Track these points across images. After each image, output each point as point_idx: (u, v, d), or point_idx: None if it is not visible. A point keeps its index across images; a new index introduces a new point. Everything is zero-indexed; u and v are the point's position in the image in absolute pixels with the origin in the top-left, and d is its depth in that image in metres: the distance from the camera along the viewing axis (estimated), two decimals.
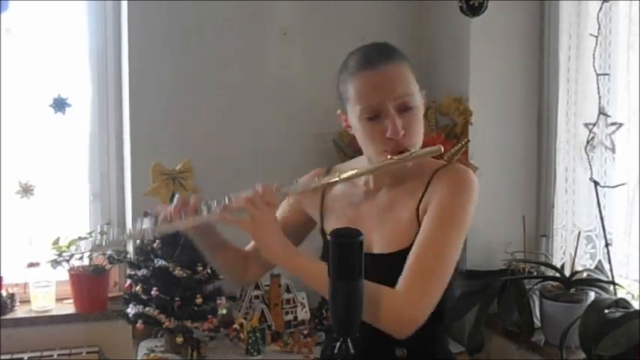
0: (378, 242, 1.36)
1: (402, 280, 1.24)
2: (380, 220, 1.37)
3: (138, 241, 1.40)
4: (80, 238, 2.46)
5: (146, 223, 1.31)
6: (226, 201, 1.29)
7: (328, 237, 1.09)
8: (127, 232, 1.37)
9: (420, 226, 1.30)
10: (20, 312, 2.45)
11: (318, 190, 1.44)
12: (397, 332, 1.23)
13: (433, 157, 1.35)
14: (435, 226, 1.28)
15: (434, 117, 2.46)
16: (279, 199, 1.33)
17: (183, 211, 1.30)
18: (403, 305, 1.22)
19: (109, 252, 2.48)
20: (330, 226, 1.42)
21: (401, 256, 1.28)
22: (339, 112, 1.40)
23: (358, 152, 2.55)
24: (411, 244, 1.28)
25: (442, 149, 1.29)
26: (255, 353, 2.25)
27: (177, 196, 1.35)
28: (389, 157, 1.28)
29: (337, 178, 1.32)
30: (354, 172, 1.33)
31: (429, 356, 1.39)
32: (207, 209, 1.29)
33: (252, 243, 1.48)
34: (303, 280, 1.28)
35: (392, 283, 1.25)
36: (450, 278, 1.32)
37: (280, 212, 1.50)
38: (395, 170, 1.33)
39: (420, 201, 1.32)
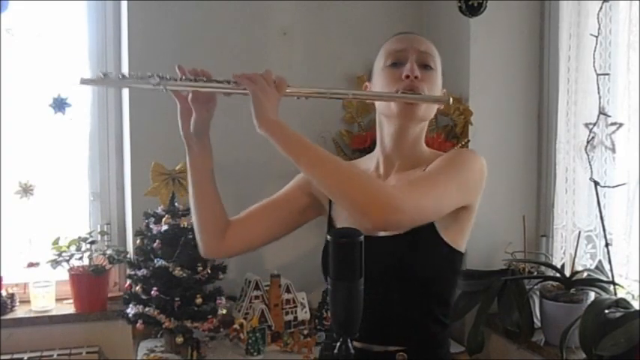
0: None
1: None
2: None
3: (132, 85, 1.28)
4: (80, 239, 2.47)
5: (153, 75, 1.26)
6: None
7: (328, 237, 1.09)
8: (134, 73, 1.30)
9: None
10: (20, 312, 2.45)
11: None
12: (372, 214, 1.14)
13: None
14: (433, 166, 1.29)
15: (434, 117, 2.46)
16: (285, 88, 1.36)
17: (197, 73, 1.30)
18: (391, 191, 1.19)
19: (108, 252, 2.49)
20: (338, 212, 1.42)
21: (406, 238, 1.25)
22: (365, 84, 1.44)
23: (358, 152, 2.56)
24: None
25: (451, 100, 1.36)
26: (255, 353, 2.25)
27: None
28: (399, 92, 1.32)
29: (347, 94, 1.37)
30: (367, 93, 1.39)
31: (430, 358, 1.36)
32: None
33: (244, 213, 1.46)
34: (289, 150, 1.27)
35: (397, 267, 1.25)
36: (453, 270, 1.33)
37: (287, 186, 1.49)
38: (405, 154, 1.37)
39: (424, 170, 1.33)
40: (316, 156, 1.23)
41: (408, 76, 1.32)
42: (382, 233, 1.32)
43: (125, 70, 2.53)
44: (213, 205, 1.42)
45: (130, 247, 2.53)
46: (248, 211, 1.47)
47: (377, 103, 1.39)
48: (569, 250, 2.25)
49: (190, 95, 1.33)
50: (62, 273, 2.47)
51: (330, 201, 1.46)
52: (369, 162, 1.47)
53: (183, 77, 1.29)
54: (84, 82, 1.31)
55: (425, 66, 1.35)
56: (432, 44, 1.40)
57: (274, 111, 1.29)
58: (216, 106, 1.37)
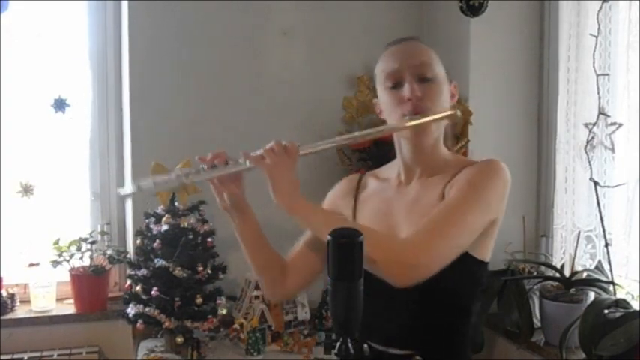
0: (406, 232, 1.35)
1: (412, 231, 1.26)
2: (409, 211, 1.37)
3: (163, 191, 1.40)
4: (80, 239, 2.47)
5: (178, 172, 1.36)
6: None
7: (328, 237, 1.09)
8: (155, 180, 1.39)
9: None
10: (20, 312, 2.45)
11: (349, 183, 1.53)
12: (395, 275, 1.20)
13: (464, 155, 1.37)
14: (457, 195, 1.29)
15: None
16: (299, 153, 1.34)
17: (213, 162, 1.35)
18: (407, 247, 1.21)
19: (109, 252, 2.49)
20: (361, 221, 1.43)
21: None
22: (374, 100, 1.46)
23: (357, 152, 2.56)
24: None
25: (459, 113, 1.35)
26: (255, 353, 2.26)
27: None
28: (406, 118, 1.33)
29: (355, 136, 1.38)
30: (371, 130, 1.38)
31: None
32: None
33: (292, 253, 1.49)
34: (307, 227, 1.32)
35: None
36: (476, 279, 1.34)
37: None
38: (426, 161, 1.39)
39: (447, 184, 1.34)
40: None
41: (410, 98, 1.32)
42: None
43: (125, 70, 2.53)
44: (268, 261, 1.47)
45: (130, 247, 2.54)
46: (296, 253, 1.50)
47: (388, 122, 1.39)
48: (569, 250, 2.25)
49: (216, 180, 1.39)
50: (63, 273, 2.47)
51: (354, 213, 1.48)
52: (391, 170, 1.48)
53: (203, 167, 1.37)
54: (124, 196, 1.43)
55: (424, 79, 1.33)
56: (427, 49, 1.38)
57: (289, 184, 1.30)
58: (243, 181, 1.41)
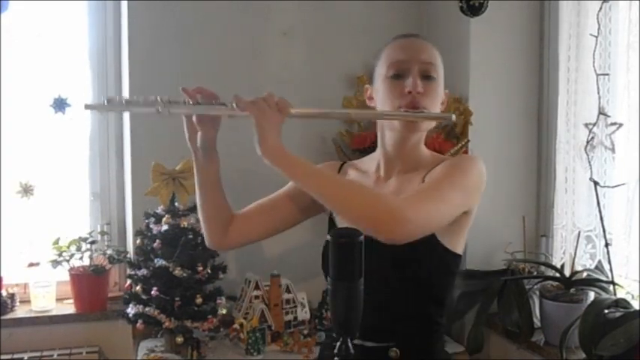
0: None
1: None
2: None
3: (136, 110, 1.31)
4: (80, 239, 2.47)
5: (157, 98, 1.28)
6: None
7: (328, 237, 1.09)
8: (137, 97, 1.31)
9: None
10: (20, 312, 2.45)
11: (329, 168, 1.51)
12: (382, 229, 1.19)
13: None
14: (435, 176, 1.31)
15: None
16: (289, 111, 1.32)
17: (200, 96, 1.31)
18: (397, 202, 1.21)
19: (109, 252, 2.49)
20: None
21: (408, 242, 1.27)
22: (366, 86, 1.45)
23: (357, 152, 2.56)
24: None
25: (454, 117, 1.35)
26: (255, 353, 2.25)
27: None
28: (402, 110, 1.33)
29: (349, 113, 1.38)
30: (367, 112, 1.39)
31: (423, 356, 1.38)
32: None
33: (250, 207, 1.49)
34: (293, 177, 1.28)
35: (394, 267, 1.26)
36: (451, 271, 1.35)
37: (290, 184, 1.49)
38: (406, 157, 1.39)
39: (424, 177, 1.35)
40: (320, 179, 1.26)
41: (410, 92, 1.32)
42: None
43: (125, 69, 2.53)
44: (217, 205, 1.45)
45: (130, 247, 2.53)
46: (251, 207, 1.51)
47: (380, 106, 1.39)
48: (569, 250, 2.25)
49: (195, 117, 1.34)
50: (62, 273, 2.47)
51: None
52: (370, 163, 1.48)
53: (187, 101, 1.30)
54: (88, 107, 1.34)
55: (427, 77, 1.35)
56: (433, 48, 1.40)
57: (276, 136, 1.28)
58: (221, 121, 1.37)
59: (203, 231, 1.50)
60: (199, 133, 1.36)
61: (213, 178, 1.43)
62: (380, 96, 1.38)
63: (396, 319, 1.36)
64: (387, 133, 1.41)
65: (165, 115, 1.28)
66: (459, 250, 1.37)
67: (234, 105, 1.29)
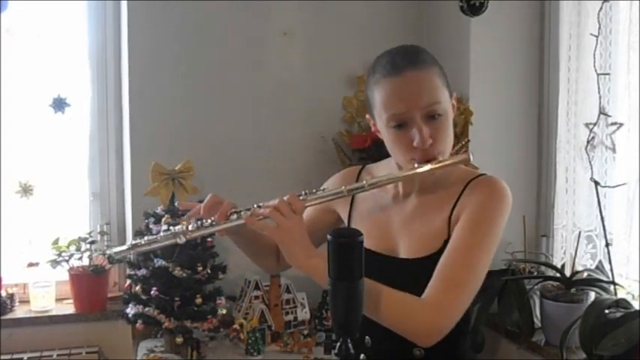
0: (404, 247, 1.35)
1: (430, 287, 1.24)
2: (407, 226, 1.36)
3: (159, 248, 1.42)
4: (80, 239, 2.46)
5: (175, 229, 1.35)
6: (254, 206, 1.32)
7: (328, 237, 1.09)
8: (158, 236, 1.38)
9: (449, 234, 1.30)
10: (20, 312, 2.45)
11: (345, 179, 1.47)
12: (422, 341, 1.23)
13: (464, 165, 1.36)
14: (467, 236, 1.27)
15: None
16: (305, 207, 1.31)
17: (214, 217, 1.33)
18: (430, 314, 1.21)
19: (108, 252, 2.48)
20: (357, 224, 1.43)
21: (427, 262, 1.27)
22: (367, 116, 1.39)
23: (357, 152, 2.56)
24: (438, 251, 1.28)
25: (471, 158, 1.28)
26: (255, 353, 2.25)
27: (209, 196, 1.36)
28: (416, 165, 1.27)
29: (364, 185, 1.31)
30: (381, 178, 1.31)
31: (447, 357, 1.36)
32: (237, 216, 1.33)
33: None
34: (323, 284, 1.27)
35: (416, 289, 1.24)
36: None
37: (312, 211, 1.45)
38: (425, 177, 1.32)
39: (453, 210, 1.31)
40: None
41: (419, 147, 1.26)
42: (403, 255, 1.35)
43: (125, 69, 2.52)
44: (259, 246, 1.50)
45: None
46: None
47: (390, 151, 1.34)
48: (570, 250, 2.25)
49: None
50: (62, 273, 2.47)
51: (349, 216, 1.46)
52: (386, 172, 1.40)
53: (204, 222, 1.35)
54: (117, 255, 1.46)
55: (432, 117, 1.26)
56: (432, 77, 1.26)
57: (303, 244, 1.27)
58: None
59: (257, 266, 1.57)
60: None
61: (246, 239, 1.46)
62: (387, 142, 1.32)
63: None
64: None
65: (188, 239, 1.35)
66: (482, 279, 1.34)
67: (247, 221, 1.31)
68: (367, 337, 1.35)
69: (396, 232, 1.37)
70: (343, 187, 1.30)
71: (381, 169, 1.46)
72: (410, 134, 1.25)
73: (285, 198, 1.29)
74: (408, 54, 1.28)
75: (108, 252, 1.30)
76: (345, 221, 1.48)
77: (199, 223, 1.34)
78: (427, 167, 1.26)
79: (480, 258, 1.26)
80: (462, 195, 1.32)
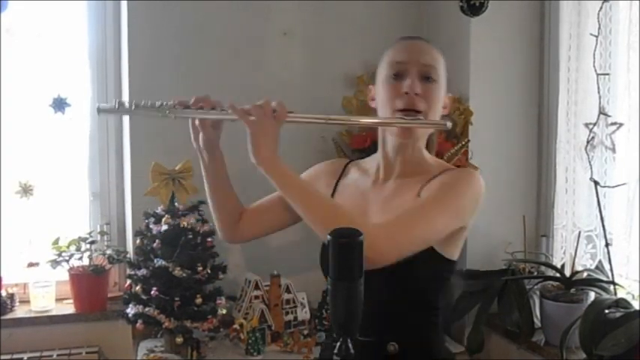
0: None
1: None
2: (383, 207, 1.40)
3: (144, 114, 1.39)
4: (80, 239, 2.47)
5: (162, 103, 1.34)
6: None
7: (328, 237, 1.09)
8: (144, 102, 1.36)
9: None
10: (20, 312, 2.45)
11: (333, 167, 1.55)
12: None
13: (437, 156, 1.43)
14: (431, 195, 1.31)
15: None
16: (286, 118, 1.35)
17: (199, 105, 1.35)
18: (373, 231, 1.20)
19: (108, 252, 2.48)
20: None
21: None
22: (370, 86, 1.46)
23: (357, 152, 2.56)
24: None
25: (449, 124, 1.35)
26: (255, 353, 2.25)
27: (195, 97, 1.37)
28: (398, 116, 1.34)
29: (347, 118, 1.45)
30: (366, 118, 1.40)
31: (423, 353, 1.39)
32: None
33: (258, 202, 1.55)
34: (282, 189, 1.31)
35: (390, 270, 1.26)
36: (444, 276, 1.36)
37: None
38: (407, 160, 1.40)
39: (422, 187, 1.35)
40: (305, 197, 1.30)
41: (407, 93, 1.33)
42: None
43: (125, 69, 2.52)
44: (226, 202, 1.52)
45: (129, 247, 2.53)
46: (260, 202, 1.56)
47: (379, 111, 1.40)
48: (570, 250, 2.25)
49: (197, 120, 1.40)
50: (62, 273, 2.47)
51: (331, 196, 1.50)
52: (372, 163, 1.49)
53: (190, 107, 1.36)
54: (101, 111, 1.40)
55: (426, 78, 1.35)
56: (436, 52, 1.40)
57: (270, 146, 1.31)
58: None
59: (216, 225, 1.56)
60: (201, 134, 1.41)
61: (219, 175, 1.48)
62: (380, 97, 1.39)
63: (393, 319, 1.37)
64: (388, 137, 1.42)
65: (170, 118, 1.34)
66: (454, 257, 1.38)
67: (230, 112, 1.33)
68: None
69: (373, 213, 1.40)
70: (325, 116, 1.41)
71: (368, 161, 1.53)
72: (403, 84, 1.34)
73: (273, 103, 1.33)
74: (423, 37, 1.46)
75: (98, 109, 1.29)
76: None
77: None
78: (406, 118, 1.33)
79: (437, 216, 1.29)
80: (434, 178, 1.36)
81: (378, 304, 1.32)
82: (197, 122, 1.39)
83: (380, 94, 1.39)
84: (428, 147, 1.45)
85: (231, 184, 1.51)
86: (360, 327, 1.22)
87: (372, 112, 1.45)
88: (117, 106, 1.36)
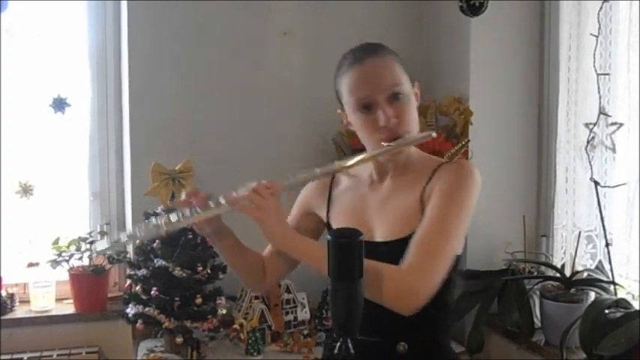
0: (379, 230, 1.39)
1: (407, 254, 1.27)
2: (382, 209, 1.40)
3: (142, 240, 1.40)
4: (80, 239, 2.46)
5: (155, 221, 1.34)
6: (233, 194, 1.32)
7: (328, 237, 1.09)
8: (137, 230, 1.39)
9: (422, 212, 1.33)
10: (20, 312, 2.45)
11: (321, 181, 1.51)
12: (400, 306, 1.24)
13: (438, 156, 1.44)
14: (442, 206, 1.31)
15: (434, 117, 2.46)
16: (282, 189, 1.34)
17: (193, 205, 1.33)
18: (405, 278, 1.23)
19: (109, 252, 2.48)
20: (335, 217, 1.47)
21: (403, 244, 1.29)
22: (339, 111, 1.45)
23: (358, 152, 2.55)
24: (413, 233, 1.30)
25: (434, 134, 1.35)
26: (255, 353, 2.25)
27: (184, 192, 1.38)
28: (384, 144, 1.33)
29: (335, 166, 1.36)
30: (352, 159, 1.36)
31: (430, 352, 1.39)
32: (215, 201, 1.32)
33: (268, 247, 1.53)
34: (307, 264, 1.31)
35: None
36: (450, 272, 1.34)
37: (292, 219, 1.54)
38: (398, 161, 1.40)
39: (424, 189, 1.35)
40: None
41: (385, 126, 1.32)
42: (379, 238, 1.38)
43: (125, 69, 2.52)
44: (248, 266, 1.51)
45: (129, 247, 2.53)
46: (269, 252, 1.54)
47: (361, 138, 1.40)
48: (570, 250, 2.25)
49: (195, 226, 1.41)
50: (62, 273, 2.47)
51: (327, 210, 1.50)
52: (361, 168, 1.47)
53: (182, 213, 1.34)
54: (100, 253, 1.41)
55: (395, 97, 1.33)
56: (390, 63, 1.36)
57: (280, 226, 1.30)
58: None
59: (244, 283, 1.60)
60: (205, 228, 1.40)
61: (234, 247, 1.47)
62: (358, 130, 1.39)
63: (402, 318, 1.34)
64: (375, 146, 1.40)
65: (169, 232, 1.34)
66: (459, 251, 1.37)
67: (225, 202, 1.31)
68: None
69: (372, 216, 1.41)
70: (316, 170, 1.36)
71: (356, 167, 1.50)
72: (376, 116, 1.33)
73: (262, 182, 1.32)
74: (367, 46, 1.41)
75: (93, 251, 1.31)
76: (325, 220, 1.51)
77: (180, 214, 1.34)
78: (393, 144, 1.32)
79: (456, 226, 1.29)
80: (433, 176, 1.36)
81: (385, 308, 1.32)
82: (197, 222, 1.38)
83: (356, 125, 1.38)
84: None
85: (246, 248, 1.49)
86: (369, 328, 1.23)
87: (353, 134, 1.45)
88: (112, 244, 1.44)
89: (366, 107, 1.34)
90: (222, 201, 1.31)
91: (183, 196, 1.37)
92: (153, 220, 1.35)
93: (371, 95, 1.33)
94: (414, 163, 1.42)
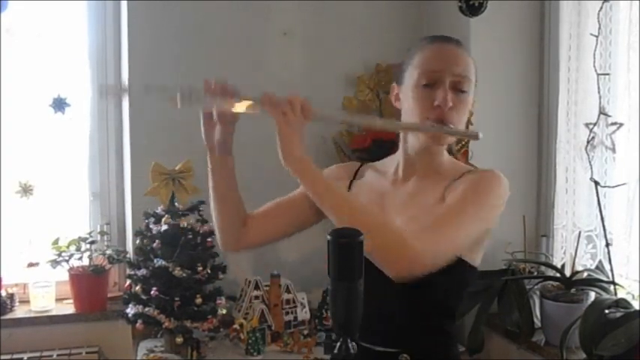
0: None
1: (419, 224, 1.25)
2: (403, 206, 1.37)
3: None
4: (80, 239, 2.47)
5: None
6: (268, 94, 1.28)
7: (328, 237, 1.09)
8: (152, 84, 1.33)
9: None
10: (20, 312, 2.45)
11: (348, 168, 1.50)
12: (395, 268, 1.20)
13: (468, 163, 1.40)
14: (460, 195, 1.28)
15: None
16: (312, 117, 1.30)
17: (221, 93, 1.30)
18: (410, 245, 1.19)
19: (108, 252, 2.48)
20: None
21: None
22: (393, 84, 1.42)
23: (357, 152, 2.56)
24: None
25: (481, 135, 1.31)
26: (255, 353, 2.25)
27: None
28: (430, 124, 1.31)
29: (375, 121, 1.38)
30: (395, 124, 1.36)
31: None
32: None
33: (264, 207, 1.47)
34: (311, 191, 1.27)
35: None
36: (464, 284, 1.34)
37: (299, 191, 1.47)
38: (431, 163, 1.37)
39: (446, 188, 1.33)
40: (337, 200, 1.25)
41: (439, 105, 1.30)
42: None
43: (125, 69, 2.52)
44: (233, 207, 1.44)
45: (129, 247, 2.53)
46: (267, 207, 1.49)
47: (406, 115, 1.37)
48: (570, 250, 2.25)
49: (215, 113, 1.33)
50: (62, 273, 2.47)
51: None
52: (390, 163, 1.46)
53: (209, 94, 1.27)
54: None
55: (459, 90, 1.31)
56: (469, 59, 1.35)
57: (300, 145, 1.26)
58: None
59: (216, 232, 1.48)
60: (218, 131, 1.34)
61: (228, 177, 1.41)
62: (408, 102, 1.35)
63: (407, 327, 1.34)
64: (410, 138, 1.38)
65: (186, 106, 1.27)
66: (476, 263, 1.36)
67: (259, 101, 1.26)
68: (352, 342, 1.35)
69: (391, 212, 1.37)
70: (354, 116, 1.33)
71: (384, 162, 1.49)
72: (434, 94, 1.30)
73: (300, 98, 1.28)
74: (455, 38, 1.38)
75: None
76: None
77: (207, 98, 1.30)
78: (437, 126, 1.30)
79: (468, 222, 1.27)
80: (460, 178, 1.34)
81: (399, 313, 1.31)
82: (215, 115, 1.32)
83: (408, 100, 1.35)
84: (450, 151, 1.44)
85: (239, 191, 1.44)
86: (374, 336, 1.21)
87: (395, 111, 1.41)
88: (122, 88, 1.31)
89: (429, 85, 1.30)
90: (255, 98, 1.25)
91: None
92: (179, 85, 1.26)
93: (441, 72, 1.30)
94: (443, 167, 1.38)
